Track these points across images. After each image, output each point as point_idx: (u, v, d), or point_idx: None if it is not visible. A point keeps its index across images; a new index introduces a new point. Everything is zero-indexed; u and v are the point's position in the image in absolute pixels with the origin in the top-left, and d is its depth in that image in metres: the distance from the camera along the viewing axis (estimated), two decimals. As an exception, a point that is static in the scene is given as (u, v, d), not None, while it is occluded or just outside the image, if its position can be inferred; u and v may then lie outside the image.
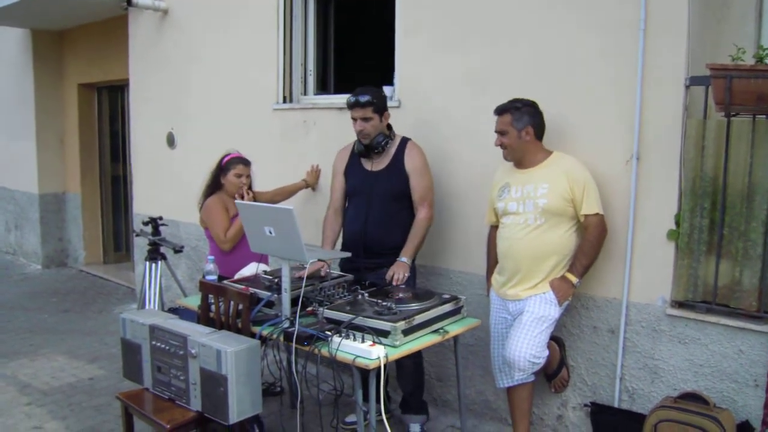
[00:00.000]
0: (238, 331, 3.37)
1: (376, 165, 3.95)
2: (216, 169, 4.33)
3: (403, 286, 3.63)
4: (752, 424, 3.10)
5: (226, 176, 4.26)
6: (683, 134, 3.26)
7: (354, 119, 3.87)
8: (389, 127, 3.98)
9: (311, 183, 4.96)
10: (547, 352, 3.47)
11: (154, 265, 5.04)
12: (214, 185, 4.32)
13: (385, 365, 2.92)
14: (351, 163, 4.06)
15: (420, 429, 3.97)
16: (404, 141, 3.96)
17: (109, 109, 8.65)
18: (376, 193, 3.90)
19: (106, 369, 5.14)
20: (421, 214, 3.87)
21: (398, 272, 3.69)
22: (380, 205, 3.89)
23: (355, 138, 3.98)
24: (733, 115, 3.12)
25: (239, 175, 4.25)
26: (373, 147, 3.89)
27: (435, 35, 4.23)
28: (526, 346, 3.37)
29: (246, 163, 4.32)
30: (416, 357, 3.93)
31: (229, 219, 4.21)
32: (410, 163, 3.88)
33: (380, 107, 3.86)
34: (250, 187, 4.31)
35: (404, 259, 3.76)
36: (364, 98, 3.81)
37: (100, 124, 8.67)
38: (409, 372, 3.94)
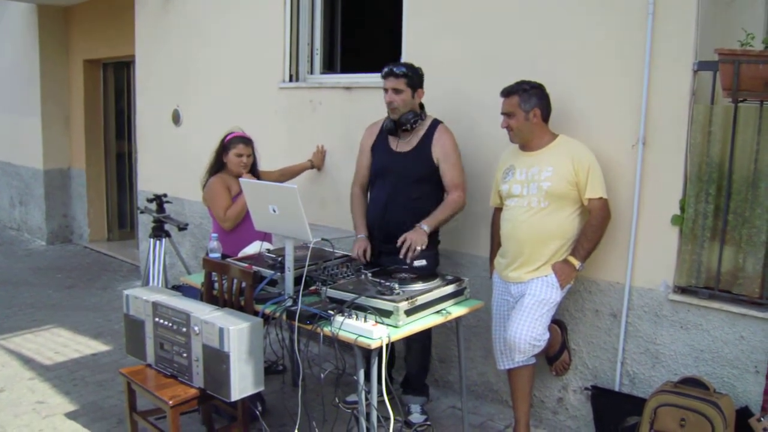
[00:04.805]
0: (241, 309, 3.38)
1: (402, 145, 3.82)
2: (219, 148, 4.30)
3: (423, 261, 3.52)
4: (751, 410, 3.11)
5: (228, 155, 4.23)
6: (690, 119, 3.24)
7: (385, 90, 3.74)
8: (422, 106, 3.86)
9: (317, 164, 4.95)
10: (547, 335, 3.48)
11: (158, 242, 5.05)
12: (218, 164, 4.30)
13: (387, 345, 2.93)
14: (378, 140, 3.94)
15: (420, 410, 3.98)
16: (435, 123, 3.81)
17: (114, 85, 8.64)
18: (399, 175, 3.77)
19: (110, 345, 5.18)
20: (454, 195, 3.73)
21: (414, 240, 3.50)
22: (403, 188, 3.76)
23: (384, 116, 3.87)
24: (741, 101, 3.11)
25: (239, 155, 4.20)
26: (401, 124, 3.76)
27: (442, 16, 4.20)
28: (526, 329, 3.38)
29: (247, 142, 4.26)
30: (425, 340, 3.94)
31: (230, 198, 4.19)
32: (439, 148, 3.73)
33: (414, 82, 3.72)
34: (254, 165, 4.29)
35: (424, 226, 3.57)
36: (399, 69, 3.70)
37: (106, 101, 8.66)
38: (417, 354, 3.95)
